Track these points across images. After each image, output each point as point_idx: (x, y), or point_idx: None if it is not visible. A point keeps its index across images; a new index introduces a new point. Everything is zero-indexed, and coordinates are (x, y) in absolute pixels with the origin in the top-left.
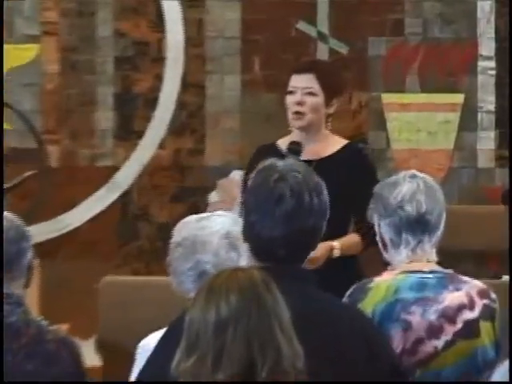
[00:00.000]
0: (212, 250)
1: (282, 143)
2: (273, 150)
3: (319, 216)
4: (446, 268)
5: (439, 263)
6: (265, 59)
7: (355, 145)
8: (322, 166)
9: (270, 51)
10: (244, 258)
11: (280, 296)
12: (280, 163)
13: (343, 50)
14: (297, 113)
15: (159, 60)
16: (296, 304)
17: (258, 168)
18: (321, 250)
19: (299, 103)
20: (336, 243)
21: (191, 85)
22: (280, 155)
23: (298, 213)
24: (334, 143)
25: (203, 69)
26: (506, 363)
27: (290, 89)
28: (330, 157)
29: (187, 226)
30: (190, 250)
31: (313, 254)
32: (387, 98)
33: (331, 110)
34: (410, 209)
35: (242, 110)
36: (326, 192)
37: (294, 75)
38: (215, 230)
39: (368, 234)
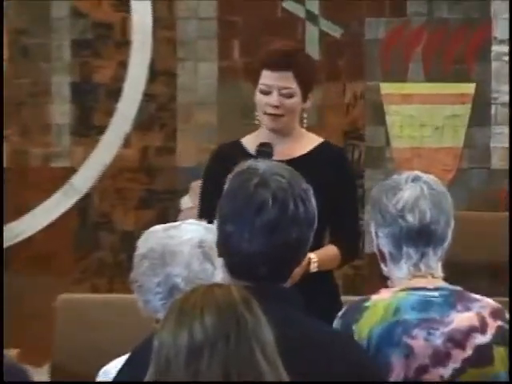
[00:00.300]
0: (183, 262)
1: (248, 142)
2: (238, 151)
3: (305, 226)
4: (454, 284)
5: (446, 279)
6: (246, 44)
7: (331, 144)
8: (291, 167)
9: (251, 34)
10: (220, 271)
11: (263, 316)
12: (262, 165)
13: (336, 32)
14: (270, 115)
15: (123, 44)
16: (281, 327)
17: (236, 170)
18: None
19: (276, 106)
20: (313, 256)
21: (160, 73)
22: (247, 157)
23: (282, 223)
24: (308, 142)
25: (174, 55)
26: None
27: (262, 87)
28: (301, 157)
29: (154, 236)
30: (158, 262)
31: None
32: (386, 88)
33: (307, 105)
34: (411, 218)
35: (219, 101)
36: (313, 199)
37: (267, 71)
38: (186, 239)
39: (346, 246)
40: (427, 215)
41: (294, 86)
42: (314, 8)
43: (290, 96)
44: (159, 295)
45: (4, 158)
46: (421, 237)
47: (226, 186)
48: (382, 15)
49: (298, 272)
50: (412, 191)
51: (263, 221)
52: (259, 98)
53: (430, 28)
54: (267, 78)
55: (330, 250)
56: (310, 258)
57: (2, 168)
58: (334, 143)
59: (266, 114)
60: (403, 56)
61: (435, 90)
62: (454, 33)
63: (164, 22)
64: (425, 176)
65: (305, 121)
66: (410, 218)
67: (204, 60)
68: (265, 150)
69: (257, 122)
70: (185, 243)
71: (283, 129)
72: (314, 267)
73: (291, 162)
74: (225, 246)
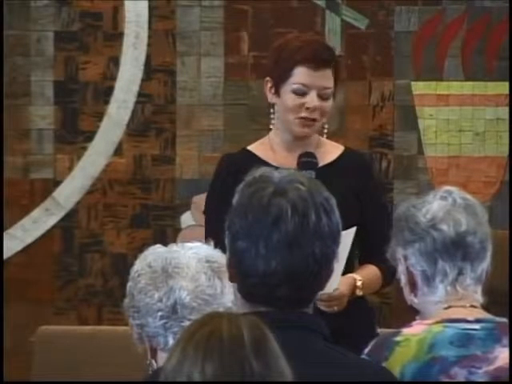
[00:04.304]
0: (189, 275)
1: (260, 151)
2: (254, 162)
3: (330, 241)
4: (497, 315)
5: (487, 309)
6: (256, 36)
7: (354, 150)
8: (321, 175)
9: (262, 25)
10: (230, 291)
11: (276, 363)
12: (276, 173)
13: (361, 23)
14: (305, 118)
15: (115, 37)
16: (301, 361)
17: (247, 180)
18: (345, 284)
19: (314, 109)
20: (359, 277)
21: (158, 70)
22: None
23: (302, 236)
24: (329, 151)
25: (174, 49)
26: None
27: (298, 86)
28: (324, 168)
29: (154, 252)
30: (160, 275)
31: (332, 289)
32: (419, 87)
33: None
34: (445, 227)
35: (225, 103)
36: (337, 210)
37: (305, 69)
38: (192, 253)
39: (387, 266)
40: (462, 223)
41: (331, 85)
42: None
43: (327, 98)
44: (160, 313)
45: None
46: (457, 249)
47: (235, 199)
48: (415, 3)
49: (347, 295)
50: (443, 203)
51: (281, 234)
52: (292, 99)
53: (470, 18)
54: (305, 76)
55: (372, 271)
56: (355, 280)
57: (2, 168)
58: (356, 149)
59: (298, 118)
60: (439, 51)
61: (476, 90)
62: (498, 23)
63: (162, 11)
64: (457, 190)
65: (325, 128)
66: (443, 226)
67: (208, 55)
68: (311, 161)
69: (271, 127)
70: (191, 257)
71: (310, 135)
72: (359, 290)
73: (319, 170)
74: (237, 266)
